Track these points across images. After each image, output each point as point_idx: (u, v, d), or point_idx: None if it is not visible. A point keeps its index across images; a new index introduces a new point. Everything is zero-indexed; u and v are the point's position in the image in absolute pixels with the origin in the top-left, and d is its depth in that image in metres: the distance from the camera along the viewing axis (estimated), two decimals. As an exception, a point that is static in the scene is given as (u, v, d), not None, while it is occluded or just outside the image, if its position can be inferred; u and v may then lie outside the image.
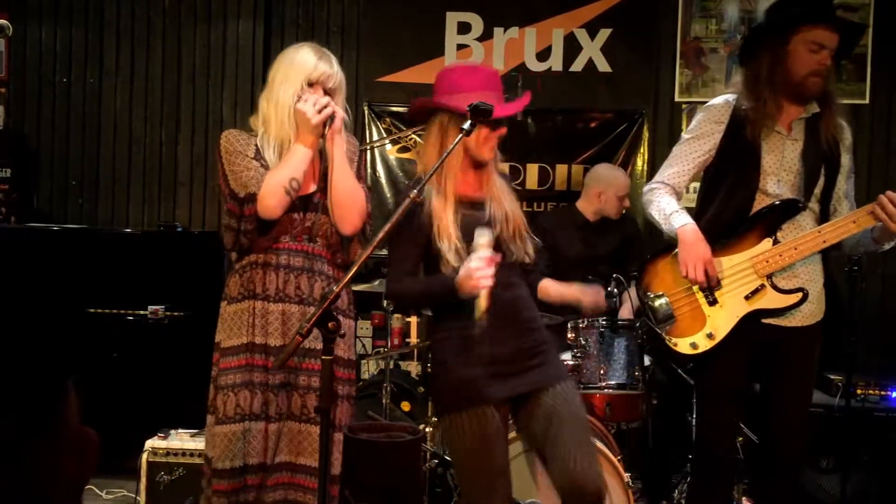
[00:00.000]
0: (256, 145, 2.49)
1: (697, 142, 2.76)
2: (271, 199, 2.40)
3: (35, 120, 5.12)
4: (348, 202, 2.48)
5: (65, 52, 5.11)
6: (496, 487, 2.29)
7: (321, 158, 2.52)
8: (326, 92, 2.50)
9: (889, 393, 4.05)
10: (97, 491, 3.83)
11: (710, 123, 2.74)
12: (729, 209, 2.69)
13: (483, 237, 2.17)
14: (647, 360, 3.54)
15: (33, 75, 5.12)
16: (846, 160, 2.71)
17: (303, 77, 2.47)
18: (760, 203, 2.67)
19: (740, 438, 3.50)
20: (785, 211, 2.64)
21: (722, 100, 2.76)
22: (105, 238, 4.55)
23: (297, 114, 2.44)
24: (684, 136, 2.83)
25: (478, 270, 2.12)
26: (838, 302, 4.03)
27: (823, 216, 2.69)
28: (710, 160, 2.75)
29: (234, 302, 2.48)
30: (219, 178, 2.52)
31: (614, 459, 2.99)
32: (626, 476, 3.03)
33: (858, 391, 4.00)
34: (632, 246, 4.17)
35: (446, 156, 2.26)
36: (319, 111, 2.42)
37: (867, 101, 4.73)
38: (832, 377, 4.07)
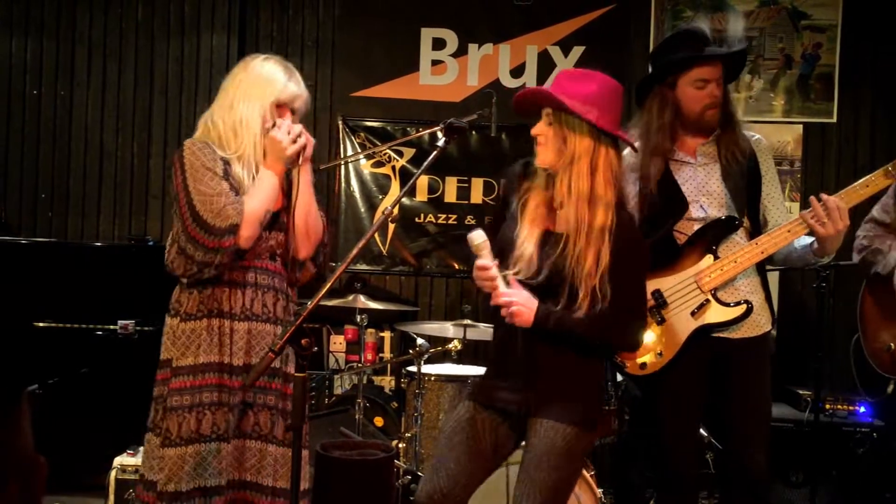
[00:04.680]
0: (223, 160, 2.32)
1: None
2: (247, 230, 2.28)
3: (5, 132, 5.06)
4: (311, 230, 2.43)
5: (36, 64, 5.06)
6: (435, 469, 2.29)
7: (285, 176, 2.43)
8: (292, 112, 2.40)
9: (857, 408, 4.11)
10: (64, 509, 3.77)
11: (627, 174, 2.79)
12: (658, 238, 2.73)
13: (476, 239, 2.20)
14: (619, 376, 3.56)
15: (3, 87, 5.05)
16: (766, 167, 2.78)
17: (272, 97, 2.36)
18: (687, 229, 2.73)
19: (710, 454, 3.52)
20: (723, 229, 2.70)
21: (627, 152, 2.78)
22: (74, 252, 4.50)
23: (269, 141, 2.34)
24: None
25: (477, 276, 2.20)
26: (806, 318, 4.08)
27: (755, 228, 2.76)
28: (636, 205, 2.77)
29: (191, 319, 2.33)
30: (177, 195, 2.30)
31: (587, 475, 3.01)
32: (599, 492, 3.04)
33: (827, 406, 4.05)
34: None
35: (421, 172, 2.29)
36: (294, 140, 2.33)
37: (834, 120, 4.82)
38: (801, 392, 4.12)
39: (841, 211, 2.52)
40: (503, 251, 2.24)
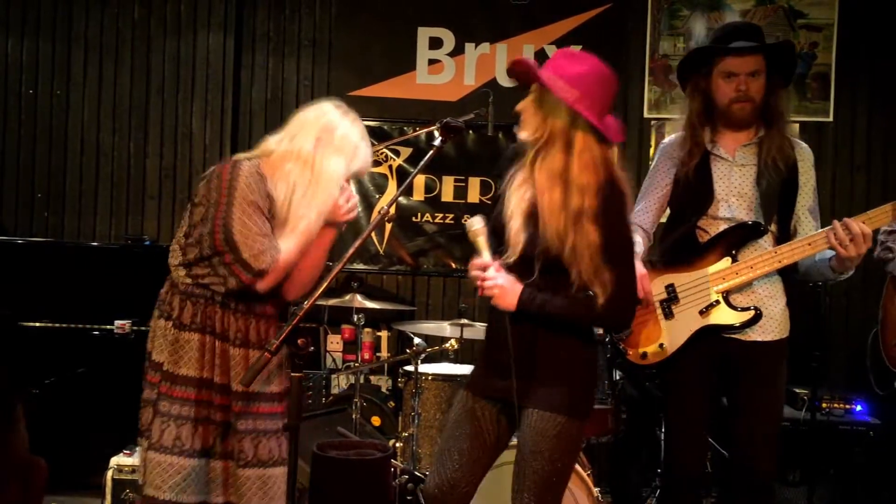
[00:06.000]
0: (269, 196, 2.31)
1: (655, 177, 2.89)
2: (271, 278, 2.29)
3: (1, 131, 5.04)
4: (309, 283, 2.46)
5: (32, 63, 5.05)
6: (440, 460, 2.32)
7: None
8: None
9: (853, 407, 4.12)
10: (61, 509, 3.76)
11: (664, 160, 2.86)
12: (681, 233, 2.77)
13: (474, 225, 2.21)
14: (616, 375, 3.57)
15: (-1, 86, 5.06)
16: (806, 179, 2.75)
17: (354, 167, 2.40)
18: (711, 227, 2.74)
19: (708, 453, 3.53)
20: (747, 232, 2.70)
21: (673, 136, 2.86)
22: (71, 252, 4.49)
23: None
24: (649, 172, 2.96)
25: (473, 269, 2.22)
26: (803, 317, 4.09)
27: (783, 236, 2.73)
28: (669, 193, 2.85)
29: (186, 329, 2.29)
30: (215, 213, 2.25)
31: (584, 474, 3.01)
32: (596, 491, 3.05)
33: (824, 405, 4.06)
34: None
35: (418, 171, 2.29)
36: (350, 210, 2.42)
37: (831, 119, 4.82)
38: (798, 391, 4.13)
39: (865, 236, 2.51)
40: (494, 231, 2.26)
